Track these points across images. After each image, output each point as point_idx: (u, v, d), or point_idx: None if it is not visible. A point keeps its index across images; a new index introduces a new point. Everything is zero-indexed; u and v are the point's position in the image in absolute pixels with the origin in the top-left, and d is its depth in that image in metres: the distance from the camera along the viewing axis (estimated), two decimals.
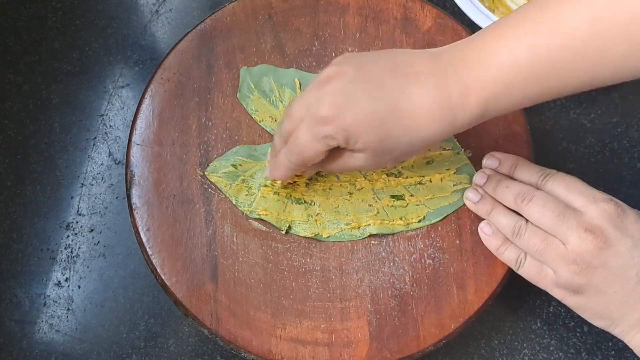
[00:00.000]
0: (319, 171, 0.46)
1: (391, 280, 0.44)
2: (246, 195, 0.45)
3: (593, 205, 0.39)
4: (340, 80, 0.36)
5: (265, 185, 0.45)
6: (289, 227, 0.44)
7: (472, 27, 0.50)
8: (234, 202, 0.45)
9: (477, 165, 0.46)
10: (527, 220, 0.41)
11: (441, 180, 0.46)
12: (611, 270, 0.38)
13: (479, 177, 0.45)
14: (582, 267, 0.38)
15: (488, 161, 0.45)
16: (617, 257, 0.38)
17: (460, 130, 0.37)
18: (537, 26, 0.33)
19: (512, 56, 0.34)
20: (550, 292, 0.41)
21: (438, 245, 0.45)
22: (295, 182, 0.45)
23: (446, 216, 0.45)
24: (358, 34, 0.50)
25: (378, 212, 0.45)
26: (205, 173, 0.45)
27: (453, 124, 0.35)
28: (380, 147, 0.36)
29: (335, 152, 0.38)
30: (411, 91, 0.35)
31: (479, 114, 0.35)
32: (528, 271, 0.41)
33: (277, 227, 0.44)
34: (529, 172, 0.43)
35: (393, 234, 0.45)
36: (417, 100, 0.35)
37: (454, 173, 0.46)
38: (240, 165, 0.46)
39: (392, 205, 0.45)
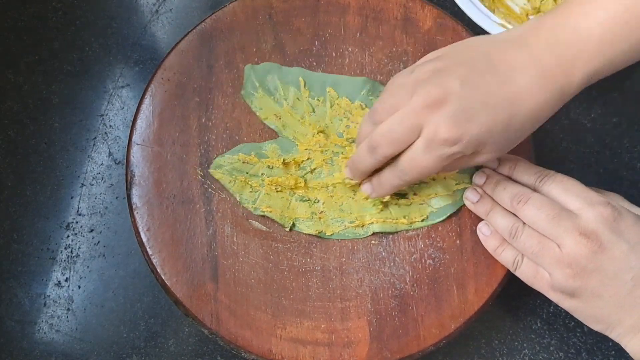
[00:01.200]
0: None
1: (391, 280, 0.44)
2: (250, 191, 0.45)
3: (589, 208, 0.39)
4: (449, 99, 0.37)
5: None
6: (293, 224, 0.44)
7: (472, 27, 0.50)
8: (238, 198, 0.45)
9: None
10: (524, 222, 0.41)
11: (444, 178, 0.46)
12: (606, 274, 0.38)
13: (478, 177, 0.45)
14: (577, 271, 0.38)
15: None
16: (613, 262, 0.38)
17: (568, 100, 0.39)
18: None
19: (601, 26, 0.36)
20: (546, 295, 0.41)
21: (438, 245, 0.45)
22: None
23: (449, 216, 0.45)
24: (358, 34, 0.50)
25: (382, 211, 0.45)
26: (210, 170, 0.45)
27: (561, 99, 0.38)
28: (506, 145, 0.39)
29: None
30: (518, 86, 0.37)
31: (584, 85, 0.38)
32: (525, 273, 0.41)
33: (281, 223, 0.44)
34: (527, 173, 0.43)
35: (393, 234, 0.45)
36: (526, 95, 0.37)
37: (456, 172, 0.46)
38: (245, 162, 0.46)
39: (395, 204, 0.45)
